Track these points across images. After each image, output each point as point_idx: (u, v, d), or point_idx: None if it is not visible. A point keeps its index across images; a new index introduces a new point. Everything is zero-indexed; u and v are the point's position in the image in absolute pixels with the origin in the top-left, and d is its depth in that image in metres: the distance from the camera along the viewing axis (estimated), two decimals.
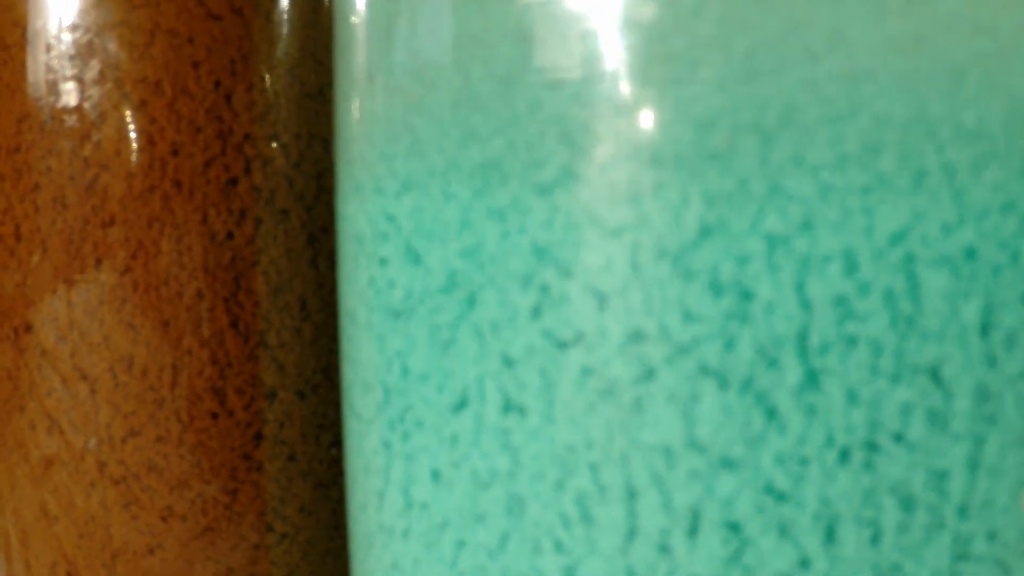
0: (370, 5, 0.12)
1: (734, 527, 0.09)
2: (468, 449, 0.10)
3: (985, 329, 0.08)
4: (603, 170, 0.09)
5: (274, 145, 0.16)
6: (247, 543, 0.17)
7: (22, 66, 0.16)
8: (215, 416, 0.16)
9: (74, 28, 0.15)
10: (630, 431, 0.09)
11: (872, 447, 0.08)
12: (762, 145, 0.08)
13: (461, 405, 0.10)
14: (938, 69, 0.08)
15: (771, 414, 0.09)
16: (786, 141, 0.08)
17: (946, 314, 0.08)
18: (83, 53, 0.15)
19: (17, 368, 0.17)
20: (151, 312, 0.16)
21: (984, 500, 0.08)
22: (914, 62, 0.08)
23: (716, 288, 0.09)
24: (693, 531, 0.09)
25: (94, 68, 0.15)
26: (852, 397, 0.08)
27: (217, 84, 0.15)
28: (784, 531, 0.09)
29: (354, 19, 0.13)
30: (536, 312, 0.10)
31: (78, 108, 0.15)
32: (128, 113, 0.15)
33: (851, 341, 0.08)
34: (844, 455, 0.09)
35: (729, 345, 0.09)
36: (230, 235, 0.16)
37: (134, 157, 0.15)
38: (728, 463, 0.09)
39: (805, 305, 0.08)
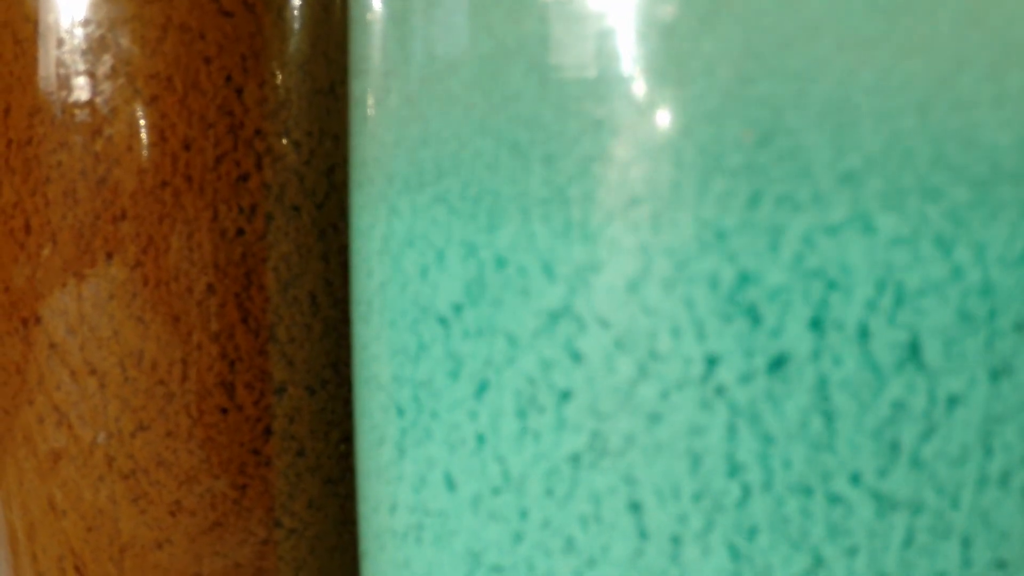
0: (386, 2, 0.12)
1: (745, 533, 0.09)
2: (481, 450, 0.10)
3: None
4: (621, 167, 0.09)
5: (285, 141, 0.16)
6: (255, 538, 0.17)
7: (34, 60, 0.16)
8: (224, 411, 0.16)
9: (86, 23, 0.15)
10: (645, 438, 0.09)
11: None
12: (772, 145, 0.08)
13: (475, 405, 0.10)
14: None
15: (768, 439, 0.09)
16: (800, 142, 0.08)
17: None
18: (95, 48, 0.15)
19: (26, 361, 0.17)
20: (161, 307, 0.16)
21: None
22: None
23: (731, 295, 0.09)
24: (702, 536, 0.09)
25: (106, 63, 0.15)
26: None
27: (228, 80, 0.15)
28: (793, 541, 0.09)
29: (369, 16, 0.13)
30: (558, 307, 0.10)
31: (90, 103, 0.15)
32: (140, 108, 0.15)
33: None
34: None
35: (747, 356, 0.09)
36: (240, 231, 0.16)
37: (145, 152, 0.15)
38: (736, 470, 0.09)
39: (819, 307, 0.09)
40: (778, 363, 0.09)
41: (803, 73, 0.08)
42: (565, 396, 0.10)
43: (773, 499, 0.09)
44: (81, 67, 0.15)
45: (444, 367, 0.11)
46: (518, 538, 0.10)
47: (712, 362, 0.09)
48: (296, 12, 0.16)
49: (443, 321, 0.11)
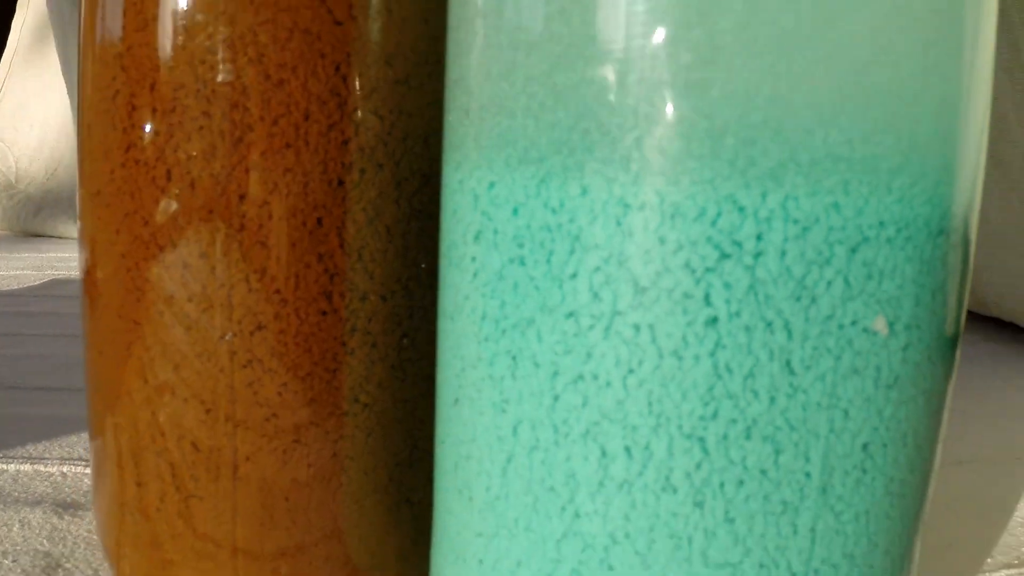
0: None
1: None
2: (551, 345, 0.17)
3: None
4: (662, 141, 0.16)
5: (374, 116, 0.22)
6: (339, 411, 0.23)
7: (181, 48, 0.21)
8: (324, 313, 0.22)
9: (231, 22, 0.21)
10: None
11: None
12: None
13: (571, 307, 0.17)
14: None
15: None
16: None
17: None
18: (238, 41, 0.21)
19: (160, 280, 0.22)
20: (282, 236, 0.21)
21: None
22: None
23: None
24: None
25: (248, 53, 0.21)
26: None
27: (337, 70, 0.21)
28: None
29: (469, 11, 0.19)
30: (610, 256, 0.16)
31: (230, 83, 0.21)
32: (271, 89, 0.21)
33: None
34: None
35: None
36: (341, 181, 0.22)
37: (274, 121, 0.21)
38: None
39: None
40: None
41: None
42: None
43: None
44: (226, 55, 0.21)
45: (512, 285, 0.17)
46: (567, 421, 0.17)
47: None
48: (383, 24, 0.22)
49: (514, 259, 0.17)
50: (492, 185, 0.18)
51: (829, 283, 0.17)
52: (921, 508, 0.20)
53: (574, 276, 0.17)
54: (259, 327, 0.22)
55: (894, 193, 0.17)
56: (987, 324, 0.69)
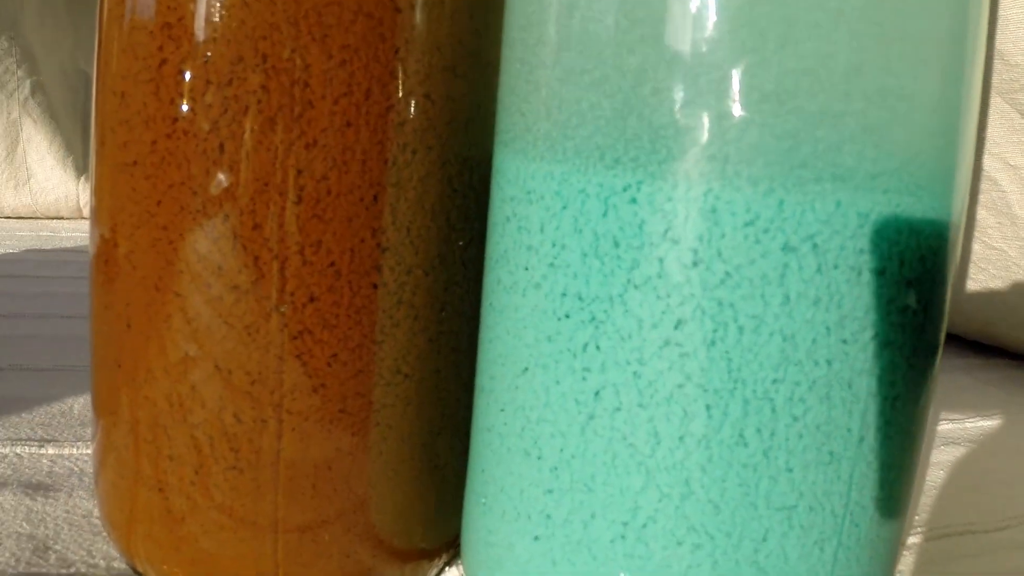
0: None
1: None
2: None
3: None
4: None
5: (424, 100, 0.23)
6: (383, 381, 0.23)
7: (240, 24, 0.21)
8: (375, 286, 0.23)
9: (298, 3, 0.21)
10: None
11: None
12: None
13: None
14: None
15: None
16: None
17: None
18: (303, 22, 0.21)
19: (211, 252, 0.22)
20: (338, 210, 0.22)
21: None
22: None
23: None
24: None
25: (312, 34, 0.21)
26: None
27: (396, 53, 0.22)
28: None
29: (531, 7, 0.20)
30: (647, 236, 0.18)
31: (291, 59, 0.21)
32: (333, 68, 0.22)
33: None
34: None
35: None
36: (395, 160, 0.22)
37: (336, 100, 0.22)
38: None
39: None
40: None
41: None
42: None
43: None
44: (290, 33, 0.21)
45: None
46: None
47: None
48: (436, 14, 0.23)
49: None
50: (576, 177, 0.20)
51: (876, 270, 0.19)
52: (918, 462, 0.23)
53: (662, 261, 0.19)
54: (312, 299, 0.22)
55: (921, 205, 0.19)
56: None
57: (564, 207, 0.20)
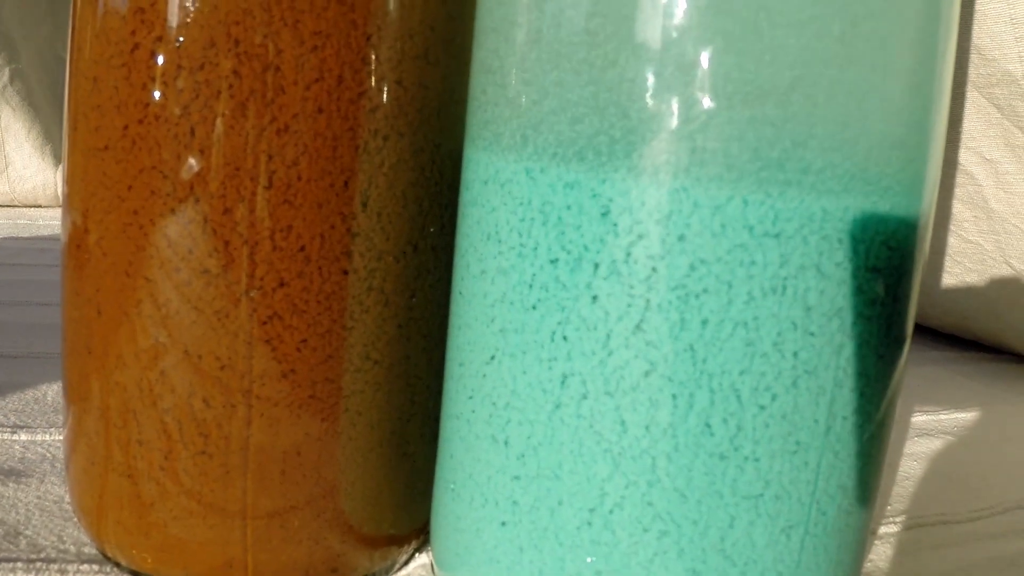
0: None
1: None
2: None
3: None
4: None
5: (399, 86, 0.23)
6: (353, 367, 0.24)
7: (213, 9, 0.21)
8: (345, 272, 0.23)
9: None
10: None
11: None
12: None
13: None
14: None
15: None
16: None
17: None
18: (275, 7, 0.21)
19: (181, 236, 0.22)
20: (309, 195, 0.22)
21: None
22: None
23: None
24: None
25: (284, 19, 0.21)
26: None
27: (368, 39, 0.22)
28: None
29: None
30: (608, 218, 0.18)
31: (264, 45, 0.21)
32: (305, 54, 0.22)
33: None
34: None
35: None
36: (367, 146, 0.22)
37: (308, 86, 0.22)
38: None
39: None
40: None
41: None
42: None
43: None
44: (261, 19, 0.21)
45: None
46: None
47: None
48: (408, 2, 0.23)
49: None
50: (545, 170, 0.20)
51: (842, 264, 0.19)
52: (886, 452, 0.23)
53: (628, 253, 0.19)
54: (281, 284, 0.22)
55: (886, 200, 0.19)
56: None
57: (532, 200, 0.20)
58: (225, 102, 0.22)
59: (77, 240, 0.24)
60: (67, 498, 0.29)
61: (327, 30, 0.22)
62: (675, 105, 0.18)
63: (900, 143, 0.20)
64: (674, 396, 0.19)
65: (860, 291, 0.19)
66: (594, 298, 0.19)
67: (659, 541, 0.20)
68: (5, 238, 0.75)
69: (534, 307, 0.20)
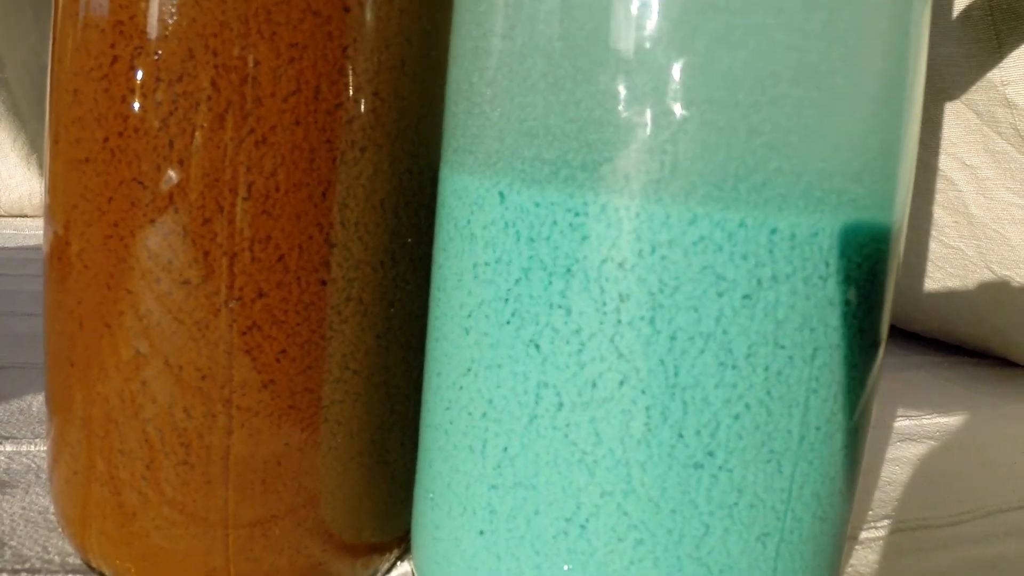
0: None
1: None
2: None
3: None
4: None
5: (375, 98, 0.23)
6: (332, 377, 0.24)
7: (191, 21, 0.21)
8: (323, 283, 0.23)
9: (248, 1, 0.21)
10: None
11: None
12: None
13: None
14: None
15: None
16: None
17: None
18: (253, 20, 0.21)
19: (162, 248, 0.22)
20: (288, 206, 0.22)
21: None
22: None
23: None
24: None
25: (261, 32, 0.21)
26: None
27: (344, 51, 0.22)
28: None
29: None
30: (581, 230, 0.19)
31: (242, 57, 0.22)
32: (282, 66, 0.22)
33: None
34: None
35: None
36: (344, 157, 0.23)
37: (285, 98, 0.22)
38: None
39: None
40: None
41: None
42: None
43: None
44: (239, 32, 0.21)
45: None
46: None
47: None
48: (385, 12, 0.23)
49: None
50: (517, 188, 0.20)
51: (812, 279, 0.19)
52: (861, 458, 0.23)
53: (600, 268, 0.19)
54: (260, 294, 0.23)
55: (857, 212, 0.20)
56: None
57: (505, 216, 0.20)
58: (203, 114, 0.22)
59: (58, 252, 0.24)
60: (52, 509, 0.29)
61: (303, 42, 0.22)
62: (646, 120, 0.18)
63: (871, 155, 0.20)
64: (647, 408, 0.19)
65: (831, 303, 0.20)
66: (567, 311, 0.19)
67: (634, 550, 0.20)
68: None
69: (508, 321, 0.20)
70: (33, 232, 0.83)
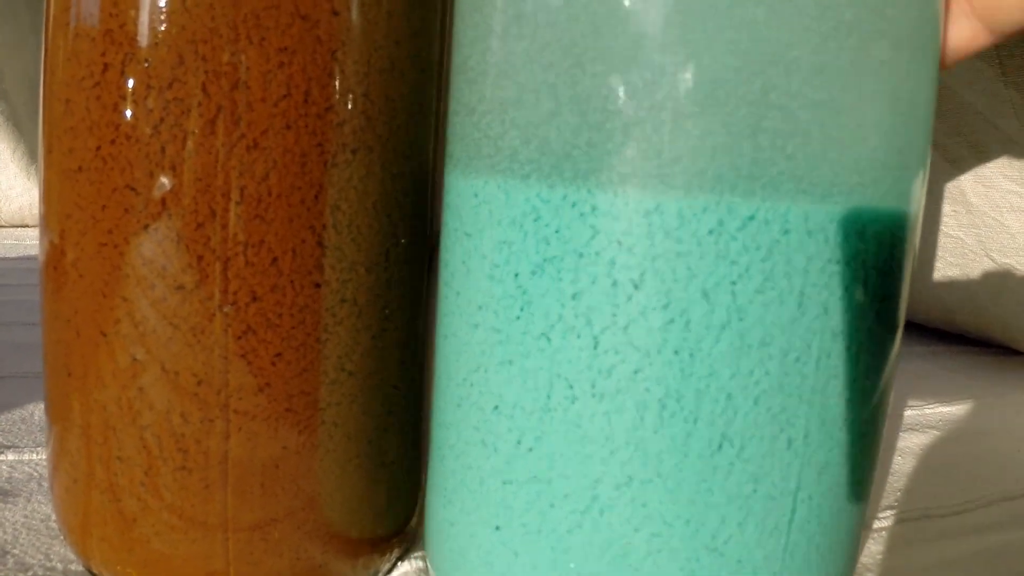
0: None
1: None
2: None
3: None
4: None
5: (365, 100, 0.23)
6: (328, 379, 0.24)
7: (180, 28, 0.22)
8: (317, 285, 0.23)
9: (237, 5, 0.21)
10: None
11: None
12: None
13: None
14: None
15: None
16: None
17: None
18: (241, 25, 0.22)
19: (156, 254, 0.22)
20: (280, 210, 0.22)
21: None
22: None
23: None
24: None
25: (250, 37, 0.22)
26: None
27: (333, 55, 0.22)
28: None
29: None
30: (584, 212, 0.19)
31: (232, 63, 0.22)
32: (272, 70, 0.22)
33: None
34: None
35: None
36: (335, 160, 0.23)
37: (275, 102, 0.22)
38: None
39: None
40: None
41: None
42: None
43: None
44: (228, 38, 0.22)
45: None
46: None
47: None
48: (373, 15, 0.23)
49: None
50: (523, 184, 0.20)
51: (828, 270, 0.19)
52: (878, 447, 0.23)
53: (611, 264, 0.19)
54: (254, 298, 0.23)
55: (871, 201, 0.20)
56: None
57: (513, 214, 0.20)
58: (195, 120, 0.22)
59: (54, 262, 0.24)
60: (54, 516, 0.29)
61: (293, 46, 0.22)
62: (654, 112, 0.18)
63: (886, 145, 0.20)
64: (662, 398, 0.19)
65: (847, 292, 0.20)
66: (577, 308, 0.19)
67: (650, 541, 0.20)
68: None
69: (518, 317, 0.20)
70: (34, 242, 0.83)
